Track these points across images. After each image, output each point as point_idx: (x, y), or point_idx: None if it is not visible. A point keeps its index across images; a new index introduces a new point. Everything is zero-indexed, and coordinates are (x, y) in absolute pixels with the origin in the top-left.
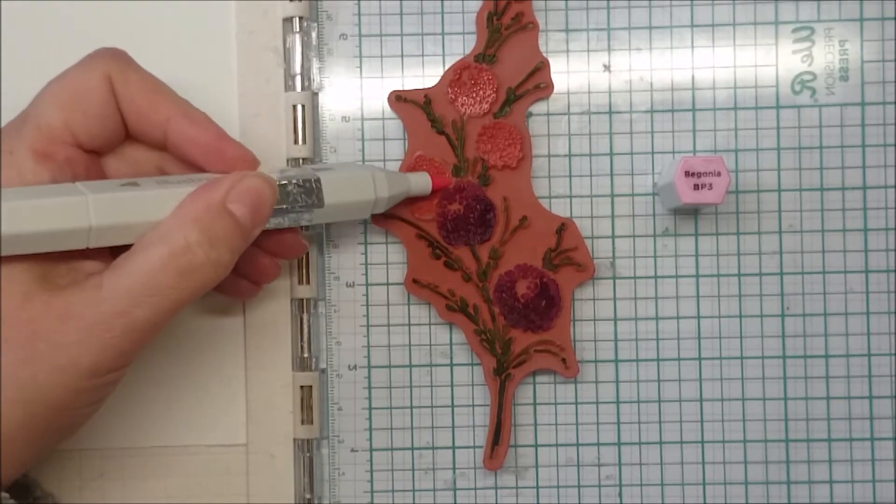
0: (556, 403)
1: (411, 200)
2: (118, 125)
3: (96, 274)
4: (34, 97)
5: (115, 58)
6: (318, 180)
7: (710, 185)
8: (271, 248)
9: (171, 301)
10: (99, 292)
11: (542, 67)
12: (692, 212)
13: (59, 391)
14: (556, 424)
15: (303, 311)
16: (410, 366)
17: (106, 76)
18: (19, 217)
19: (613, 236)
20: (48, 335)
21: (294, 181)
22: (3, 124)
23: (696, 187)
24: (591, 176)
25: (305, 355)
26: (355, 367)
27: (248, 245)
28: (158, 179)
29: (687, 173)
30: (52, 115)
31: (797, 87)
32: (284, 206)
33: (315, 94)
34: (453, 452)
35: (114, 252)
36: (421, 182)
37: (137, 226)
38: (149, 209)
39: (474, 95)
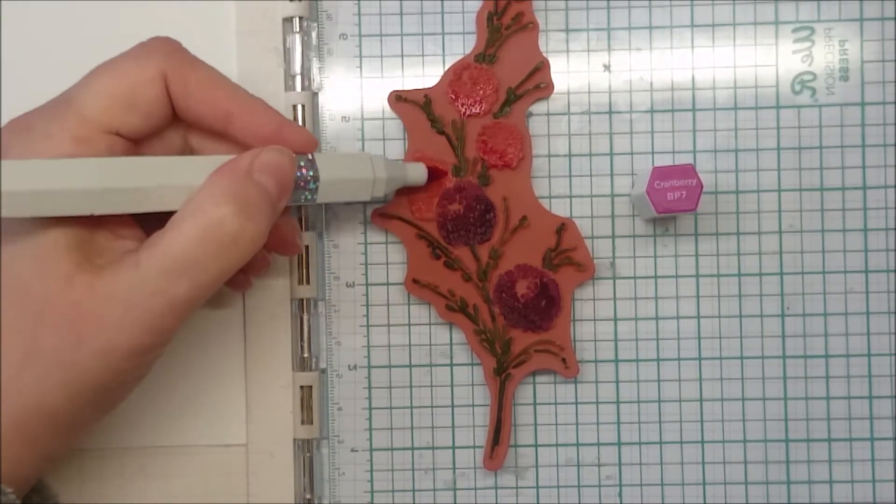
0: (556, 403)
1: (412, 200)
2: (166, 118)
3: (132, 252)
4: (80, 81)
5: (172, 54)
6: (312, 156)
7: (683, 193)
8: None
9: (208, 275)
10: (137, 271)
11: (542, 67)
12: (690, 213)
13: (101, 372)
14: (556, 424)
15: (303, 311)
16: (410, 366)
17: (161, 74)
18: (26, 174)
19: (613, 236)
20: (91, 318)
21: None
22: (3, 124)
23: (669, 196)
24: (591, 176)
25: (305, 355)
26: (355, 367)
27: (276, 218)
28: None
29: (658, 183)
30: (99, 107)
31: (797, 87)
32: None
33: (315, 94)
34: (453, 452)
35: (147, 232)
36: (417, 172)
37: (147, 189)
38: (159, 173)
39: (474, 95)
